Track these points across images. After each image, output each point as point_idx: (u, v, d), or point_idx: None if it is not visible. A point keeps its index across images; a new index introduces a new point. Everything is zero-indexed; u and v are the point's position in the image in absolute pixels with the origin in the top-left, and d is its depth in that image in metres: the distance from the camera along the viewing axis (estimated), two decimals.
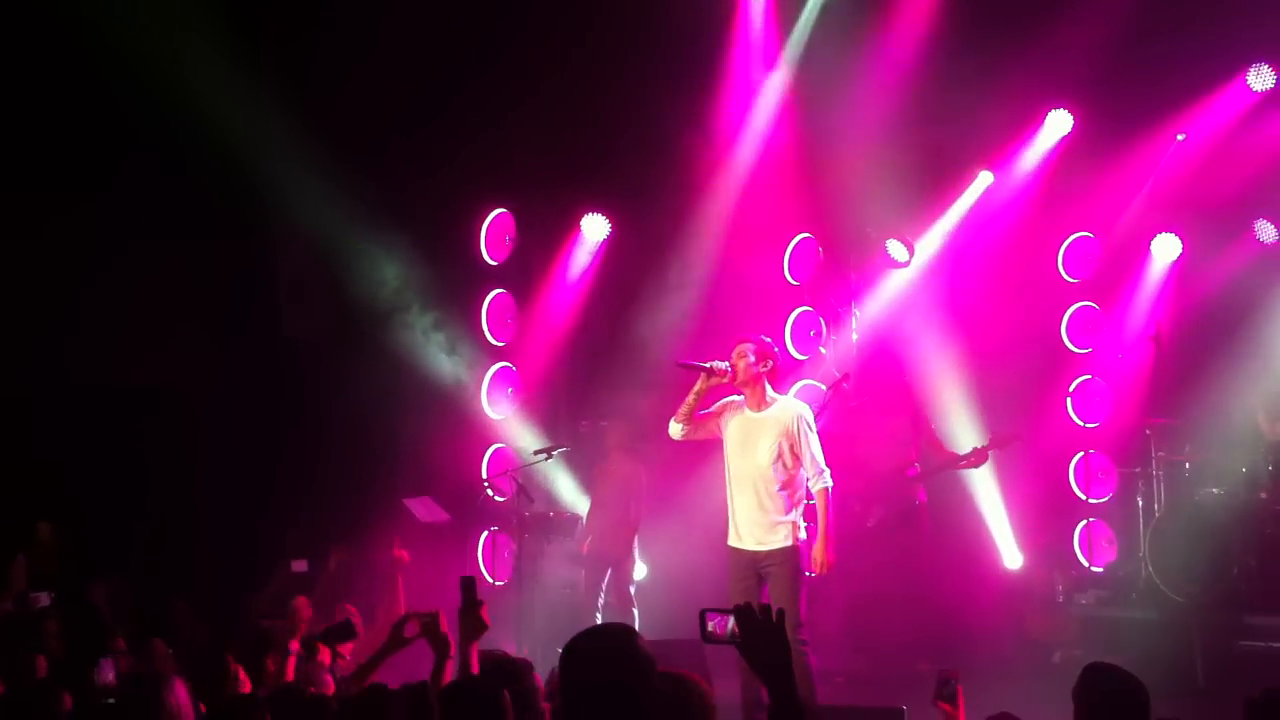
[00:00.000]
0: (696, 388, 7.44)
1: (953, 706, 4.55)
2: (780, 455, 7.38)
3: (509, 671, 4.19)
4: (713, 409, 7.58)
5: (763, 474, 7.39)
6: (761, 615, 3.59)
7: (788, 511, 7.38)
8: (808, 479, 7.43)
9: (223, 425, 10.61)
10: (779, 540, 7.35)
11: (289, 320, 11.44)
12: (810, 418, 7.50)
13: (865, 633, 9.86)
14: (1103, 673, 4.40)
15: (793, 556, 7.36)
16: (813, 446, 7.41)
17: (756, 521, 7.40)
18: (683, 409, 7.49)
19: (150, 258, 10.32)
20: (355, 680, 5.00)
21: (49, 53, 9.94)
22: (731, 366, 7.41)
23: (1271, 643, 8.61)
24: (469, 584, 4.58)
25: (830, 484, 7.44)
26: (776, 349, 7.64)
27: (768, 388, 7.49)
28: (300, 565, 10.21)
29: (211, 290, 10.65)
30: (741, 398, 7.53)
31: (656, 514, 10.75)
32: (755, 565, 7.40)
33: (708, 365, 7.40)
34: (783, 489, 7.38)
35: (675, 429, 7.55)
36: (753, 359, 7.40)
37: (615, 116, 11.21)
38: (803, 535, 7.42)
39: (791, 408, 7.50)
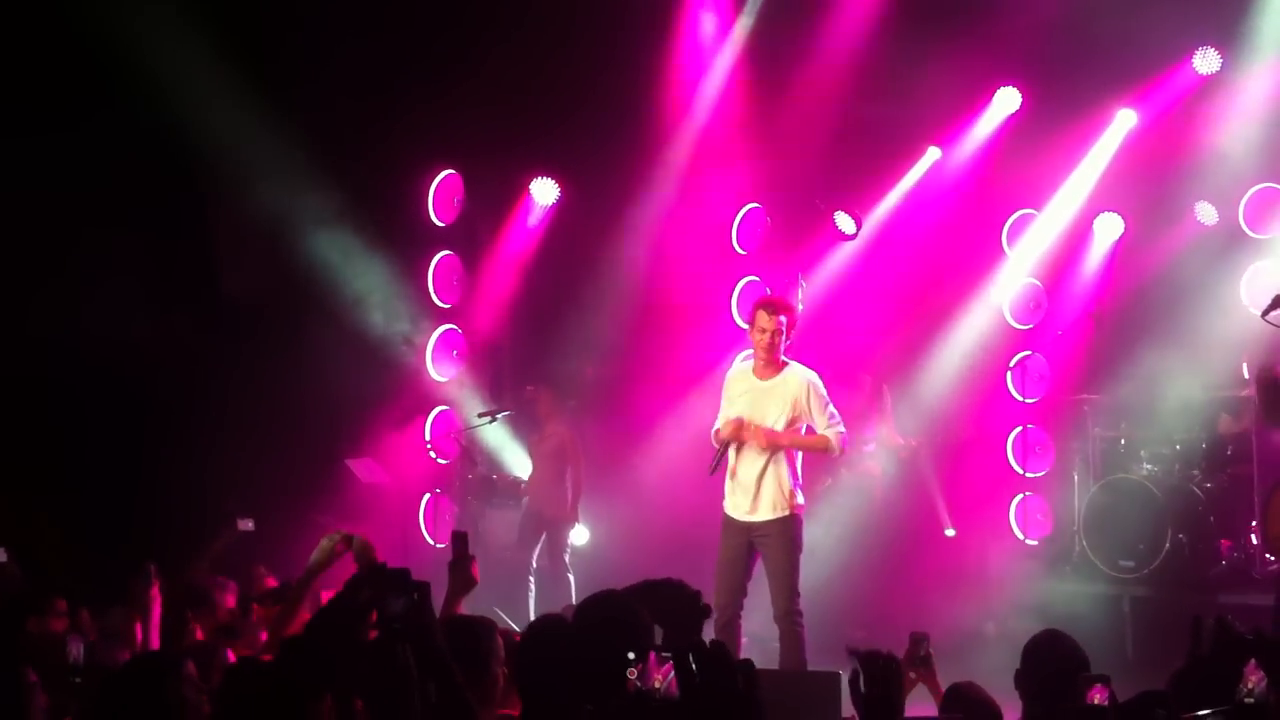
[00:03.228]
0: (721, 454, 7.43)
1: (927, 670, 4.68)
2: (789, 425, 7.32)
3: (474, 631, 4.20)
4: (730, 394, 7.49)
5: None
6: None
7: (787, 481, 7.35)
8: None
9: (163, 387, 10.50)
10: (776, 510, 7.33)
11: (228, 281, 11.31)
12: (820, 384, 7.42)
13: (806, 598, 9.96)
14: (1048, 640, 4.68)
15: (790, 526, 7.33)
16: (829, 409, 7.36)
17: (756, 489, 7.35)
18: (716, 464, 7.46)
19: (85, 218, 10.15)
20: (281, 617, 4.97)
21: None
22: (768, 336, 7.28)
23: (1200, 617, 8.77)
24: (461, 539, 4.59)
25: (843, 431, 7.40)
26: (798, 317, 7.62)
27: (781, 355, 7.44)
28: (246, 524, 10.16)
29: (150, 252, 10.49)
30: (748, 363, 7.46)
31: (602, 476, 10.83)
32: (749, 533, 7.38)
33: (724, 452, 7.36)
34: (785, 458, 7.35)
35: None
36: (784, 335, 7.33)
37: (566, 81, 11.16)
38: (800, 501, 7.41)
39: (801, 376, 7.40)
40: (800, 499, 7.40)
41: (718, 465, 7.43)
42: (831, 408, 7.39)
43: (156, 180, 10.50)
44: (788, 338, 7.37)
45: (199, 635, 5.71)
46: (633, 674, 3.12)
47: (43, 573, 8.30)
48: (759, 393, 7.39)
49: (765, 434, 7.28)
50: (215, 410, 10.60)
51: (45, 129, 9.81)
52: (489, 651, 4.14)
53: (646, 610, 3.79)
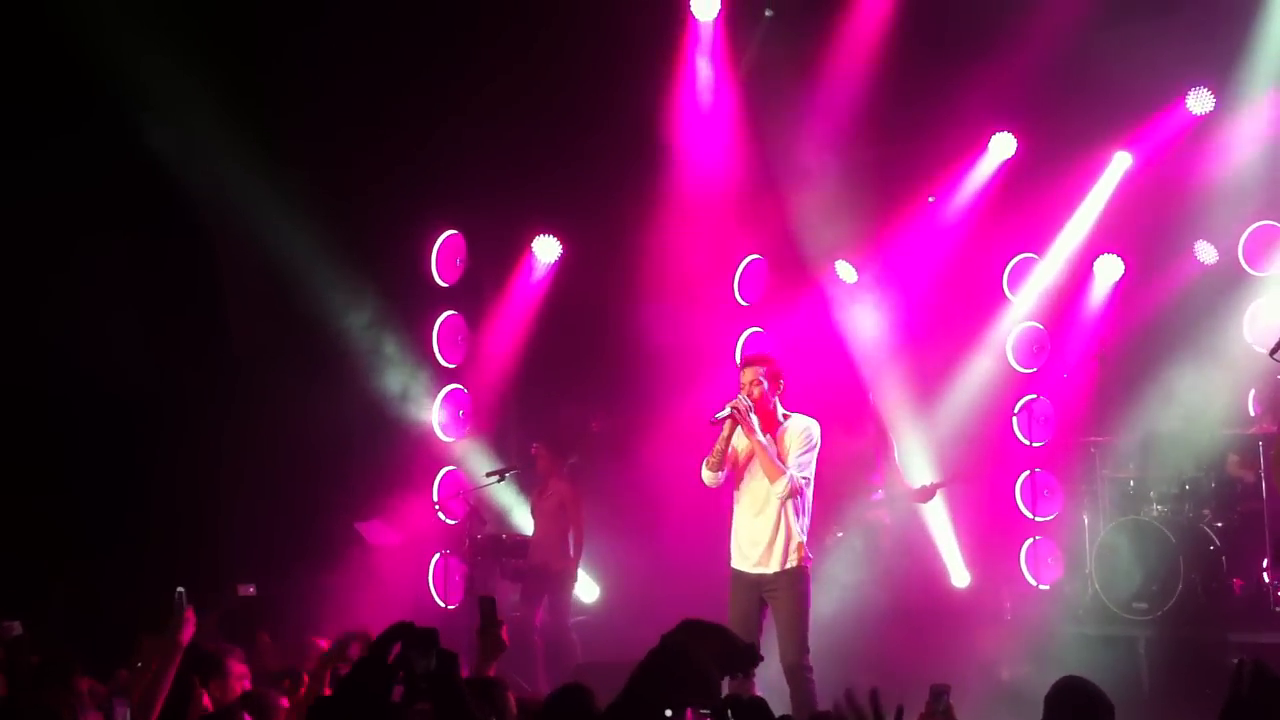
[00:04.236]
0: (725, 434, 7.35)
1: None
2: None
3: (486, 692, 4.20)
4: (729, 436, 7.43)
5: (771, 494, 7.32)
6: None
7: (797, 532, 7.30)
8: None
9: (169, 444, 10.51)
10: (786, 562, 7.28)
11: (239, 340, 11.36)
12: (816, 433, 7.38)
13: (818, 650, 9.91)
14: (1075, 687, 4.67)
15: (799, 579, 7.28)
16: (804, 457, 7.29)
17: (762, 543, 7.31)
18: (714, 457, 7.38)
19: (97, 271, 10.22)
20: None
21: None
22: (748, 397, 7.30)
23: (1216, 658, 8.71)
24: (489, 604, 4.58)
25: (799, 481, 7.25)
26: (782, 365, 7.54)
27: (779, 407, 7.43)
28: (247, 589, 10.12)
29: (161, 308, 10.55)
30: (755, 418, 7.46)
31: (609, 531, 10.82)
32: (758, 588, 7.33)
33: (731, 410, 7.26)
34: (793, 509, 7.30)
35: (710, 477, 7.44)
36: (766, 385, 7.33)
37: (566, 139, 11.25)
38: (808, 554, 7.35)
39: (799, 423, 7.40)
40: (809, 551, 7.36)
41: (718, 423, 7.35)
42: (807, 458, 7.33)
43: (170, 241, 10.57)
44: (776, 386, 7.37)
45: (206, 704, 5.67)
46: None
47: (56, 643, 8.25)
48: (771, 443, 7.38)
49: (751, 425, 7.23)
50: (221, 474, 10.59)
51: (55, 187, 9.90)
52: (502, 710, 4.14)
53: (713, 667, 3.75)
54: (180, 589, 5.07)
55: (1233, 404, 9.90)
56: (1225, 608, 9.54)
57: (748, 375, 7.39)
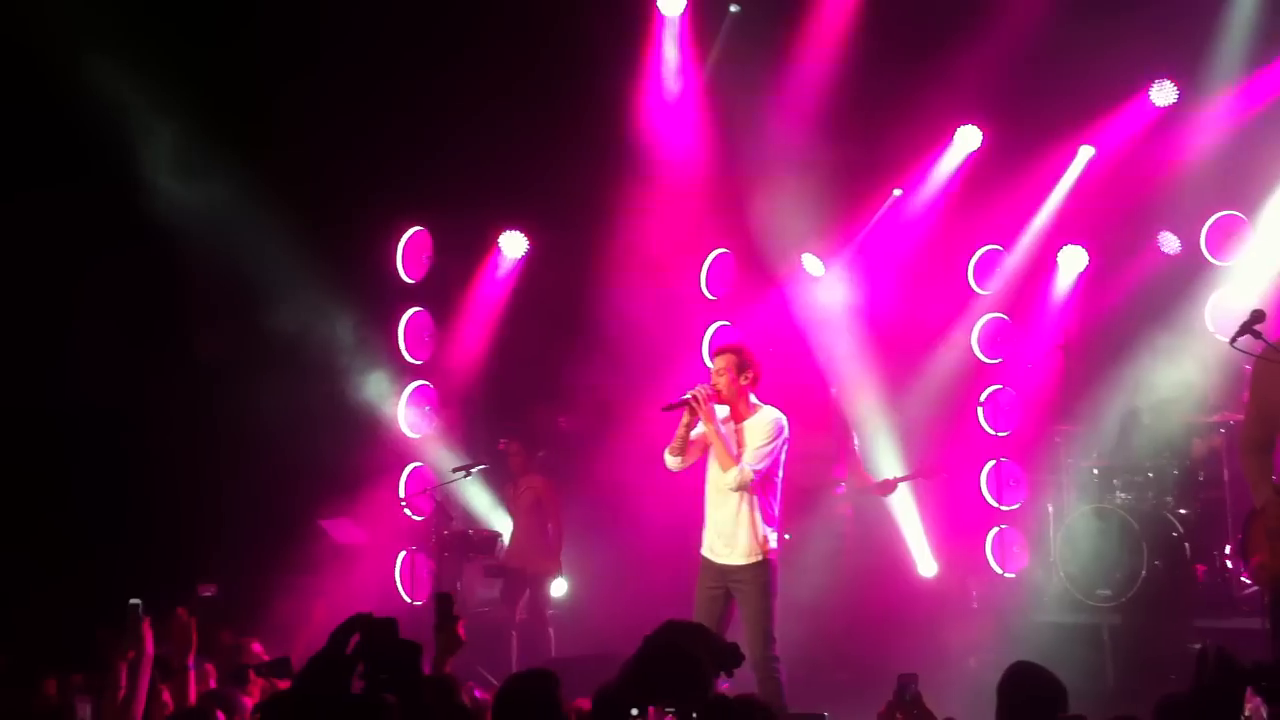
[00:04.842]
0: (685, 420, 7.32)
1: (918, 710, 4.68)
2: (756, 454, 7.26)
3: (441, 689, 4.19)
4: (689, 423, 7.39)
5: (725, 485, 7.31)
6: None
7: (762, 524, 7.29)
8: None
9: (135, 448, 10.45)
10: (750, 555, 7.27)
11: (202, 341, 11.29)
12: (776, 425, 7.31)
13: (786, 641, 9.95)
14: (1026, 671, 4.69)
15: (764, 571, 7.26)
16: (763, 449, 7.23)
17: (730, 533, 7.30)
18: (675, 442, 7.36)
19: (60, 276, 10.14)
20: None
21: None
22: (713, 387, 7.31)
23: (1180, 645, 8.79)
24: (445, 600, 4.57)
25: (751, 474, 7.19)
26: (756, 354, 7.47)
27: (750, 397, 7.38)
28: (208, 590, 10.07)
29: (123, 311, 10.48)
30: (728, 410, 7.42)
31: (578, 527, 10.81)
32: (725, 577, 7.34)
33: (689, 397, 7.24)
34: (759, 501, 7.30)
35: (672, 461, 7.42)
36: (733, 374, 7.32)
37: (533, 134, 11.22)
38: (774, 546, 7.33)
39: (766, 414, 7.36)
40: (774, 543, 7.35)
41: (673, 409, 7.35)
42: (765, 451, 7.26)
43: (131, 243, 10.49)
44: (745, 376, 7.35)
45: (169, 705, 5.63)
46: None
47: (21, 645, 8.21)
48: (731, 435, 7.39)
49: (711, 413, 7.23)
50: (186, 471, 10.54)
51: (18, 194, 9.84)
52: (457, 707, 4.14)
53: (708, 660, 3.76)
54: (135, 600, 5.01)
55: (1196, 392, 9.98)
56: (1188, 594, 9.64)
57: (715, 364, 7.40)
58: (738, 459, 7.25)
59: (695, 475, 7.56)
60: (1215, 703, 4.03)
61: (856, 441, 10.74)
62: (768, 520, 7.33)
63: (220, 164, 10.37)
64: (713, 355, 7.50)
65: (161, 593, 9.50)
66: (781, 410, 7.46)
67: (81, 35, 9.70)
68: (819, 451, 10.26)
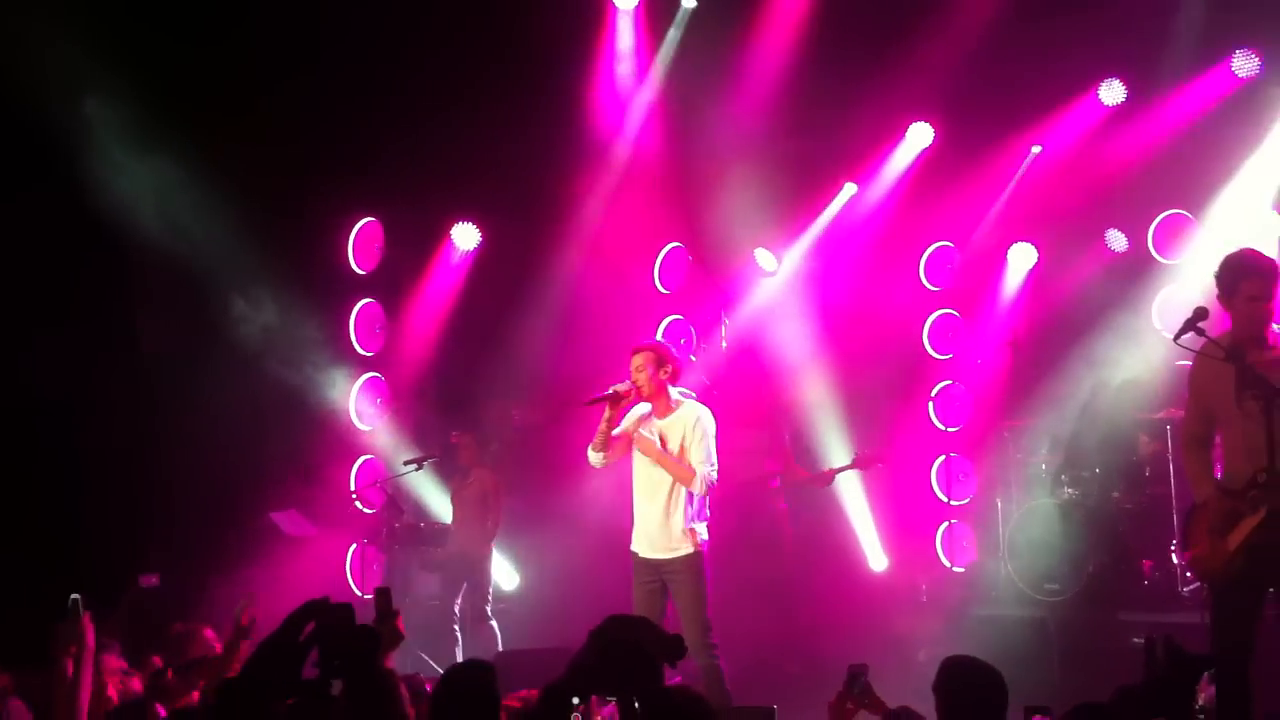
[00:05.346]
0: (606, 415, 7.38)
1: (869, 699, 4.68)
2: (679, 455, 7.35)
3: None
4: (626, 425, 7.49)
5: (667, 480, 7.36)
6: None
7: (690, 519, 7.34)
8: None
9: (81, 441, 10.33)
10: (681, 548, 7.33)
11: (148, 335, 11.17)
12: (708, 420, 7.41)
13: (734, 636, 9.97)
14: (961, 665, 4.66)
15: (695, 563, 7.31)
16: (707, 447, 7.33)
17: (659, 527, 7.36)
18: (598, 438, 7.42)
19: (5, 268, 10.01)
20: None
21: None
22: (633, 384, 7.38)
23: (1125, 638, 8.88)
24: (384, 595, 4.54)
25: (711, 476, 7.33)
26: (673, 350, 7.57)
27: (671, 391, 7.45)
28: (150, 580, 9.98)
29: (69, 303, 10.35)
30: (650, 406, 7.49)
31: (530, 519, 10.78)
32: (658, 571, 7.39)
33: (610, 393, 7.33)
34: (685, 495, 7.34)
35: (595, 458, 7.47)
36: (652, 369, 7.38)
37: (486, 125, 11.18)
38: (704, 537, 7.37)
39: (691, 411, 7.43)
40: (704, 534, 7.40)
41: (595, 404, 7.42)
42: (710, 447, 7.37)
43: (77, 234, 10.36)
44: (664, 370, 7.39)
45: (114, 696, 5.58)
46: (576, 717, 3.28)
47: None
48: (657, 431, 7.46)
49: (651, 445, 7.36)
50: (134, 464, 10.43)
51: None
52: (395, 701, 4.12)
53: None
54: (75, 595, 4.97)
55: (1143, 389, 10.08)
56: (1135, 589, 9.73)
57: (634, 362, 7.45)
58: (690, 468, 7.32)
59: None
60: (1167, 693, 4.07)
61: (789, 435, 10.78)
62: (699, 514, 7.41)
63: (168, 156, 10.27)
64: (630, 354, 7.54)
65: (103, 584, 9.46)
66: (716, 404, 7.53)
67: (26, 20, 9.57)
68: (751, 446, 10.30)
